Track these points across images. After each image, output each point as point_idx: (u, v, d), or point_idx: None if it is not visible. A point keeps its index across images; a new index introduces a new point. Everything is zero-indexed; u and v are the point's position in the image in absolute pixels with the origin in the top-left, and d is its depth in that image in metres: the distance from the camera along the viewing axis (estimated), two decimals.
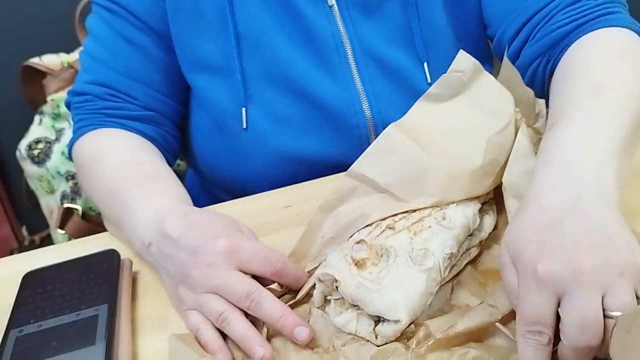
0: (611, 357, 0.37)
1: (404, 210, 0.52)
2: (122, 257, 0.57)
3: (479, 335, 0.46)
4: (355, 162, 0.51)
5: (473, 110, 0.54)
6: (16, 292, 0.54)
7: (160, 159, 0.71)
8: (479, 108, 0.54)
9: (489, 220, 0.56)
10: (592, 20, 0.61)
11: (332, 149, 0.69)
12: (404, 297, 0.46)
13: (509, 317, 0.45)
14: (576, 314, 0.38)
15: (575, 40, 0.61)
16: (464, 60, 0.53)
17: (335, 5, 0.69)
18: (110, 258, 0.56)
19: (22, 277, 0.56)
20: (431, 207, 0.53)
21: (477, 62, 0.54)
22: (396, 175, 0.51)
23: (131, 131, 0.71)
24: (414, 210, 0.53)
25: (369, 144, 0.56)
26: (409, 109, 0.55)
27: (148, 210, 0.57)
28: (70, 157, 0.75)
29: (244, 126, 0.71)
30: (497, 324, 0.44)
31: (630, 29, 0.60)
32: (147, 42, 0.73)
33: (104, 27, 0.73)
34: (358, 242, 0.50)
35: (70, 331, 0.48)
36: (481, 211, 0.56)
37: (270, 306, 0.47)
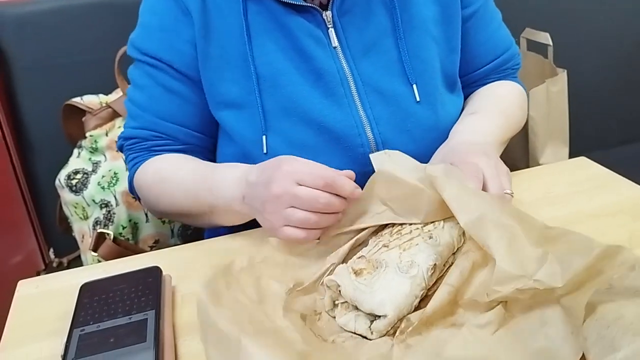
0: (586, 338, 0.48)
1: (397, 227, 0.65)
2: (163, 273, 0.67)
3: (443, 314, 0.57)
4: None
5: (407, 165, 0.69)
6: (74, 300, 0.63)
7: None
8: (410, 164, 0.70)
9: None
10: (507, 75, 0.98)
11: (341, 166, 0.75)
12: (390, 297, 0.57)
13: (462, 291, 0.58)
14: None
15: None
16: (378, 157, 0.70)
17: (339, 47, 0.82)
18: (154, 273, 0.66)
19: (79, 287, 0.65)
20: (421, 228, 0.64)
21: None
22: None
23: None
24: (408, 232, 0.64)
25: None
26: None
27: (232, 179, 0.73)
28: (131, 189, 0.87)
29: (265, 151, 0.81)
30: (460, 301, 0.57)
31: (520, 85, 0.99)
32: (185, 90, 0.84)
33: (147, 79, 0.84)
34: (359, 257, 0.62)
35: (125, 331, 0.57)
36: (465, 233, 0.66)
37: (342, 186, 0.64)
